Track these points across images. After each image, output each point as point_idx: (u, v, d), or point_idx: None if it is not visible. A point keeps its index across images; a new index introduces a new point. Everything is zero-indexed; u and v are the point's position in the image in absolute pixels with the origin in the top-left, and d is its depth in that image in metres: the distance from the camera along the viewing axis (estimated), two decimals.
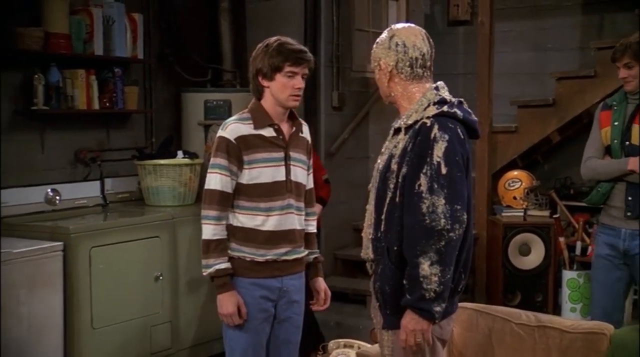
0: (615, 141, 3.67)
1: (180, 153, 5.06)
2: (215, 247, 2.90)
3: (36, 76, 4.59)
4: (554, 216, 5.40)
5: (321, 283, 3.16)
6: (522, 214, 5.37)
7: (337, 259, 5.86)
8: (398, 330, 2.49)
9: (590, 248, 5.40)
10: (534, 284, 5.39)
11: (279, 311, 3.00)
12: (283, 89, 2.88)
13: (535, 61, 6.31)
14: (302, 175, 3.04)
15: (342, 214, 5.77)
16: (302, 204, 3.04)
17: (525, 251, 5.40)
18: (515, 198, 5.47)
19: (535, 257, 5.39)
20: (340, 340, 3.60)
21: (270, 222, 2.91)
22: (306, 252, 3.09)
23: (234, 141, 2.89)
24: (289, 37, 5.31)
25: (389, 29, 2.63)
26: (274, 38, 2.97)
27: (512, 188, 5.50)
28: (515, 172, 5.59)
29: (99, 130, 5.06)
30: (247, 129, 2.92)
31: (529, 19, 6.37)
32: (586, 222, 5.64)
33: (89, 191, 4.82)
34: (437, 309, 2.41)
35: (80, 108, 4.80)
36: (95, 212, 4.75)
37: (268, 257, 2.92)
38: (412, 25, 2.65)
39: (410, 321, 2.43)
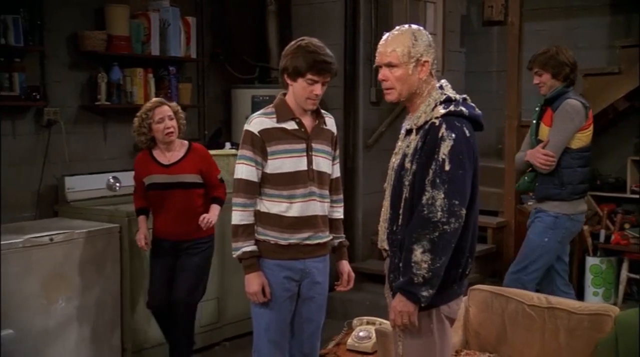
0: (532, 137, 4.10)
1: (228, 144, 5.21)
2: (242, 232, 2.96)
3: (100, 75, 4.80)
4: None
5: (345, 266, 3.18)
6: None
7: (374, 244, 5.93)
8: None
9: (613, 236, 5.37)
10: None
11: (303, 291, 3.05)
12: (302, 92, 2.92)
13: None
14: (326, 164, 3.05)
15: (378, 201, 5.79)
16: (325, 192, 3.06)
17: None
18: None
19: None
20: (364, 317, 3.64)
21: (293, 209, 2.96)
22: (330, 236, 3.11)
23: (257, 134, 2.94)
24: (331, 36, 5.50)
25: (413, 27, 2.58)
26: (306, 41, 2.96)
27: None
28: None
29: None
30: (270, 122, 2.96)
31: (560, 19, 6.31)
32: (611, 211, 5.59)
33: None
34: (424, 294, 2.42)
35: (138, 103, 4.96)
36: None
37: (291, 241, 2.97)
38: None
39: (398, 302, 2.46)
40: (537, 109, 4.12)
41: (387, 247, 2.62)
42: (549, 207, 4.03)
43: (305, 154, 2.98)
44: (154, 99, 4.12)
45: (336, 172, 3.18)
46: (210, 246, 4.11)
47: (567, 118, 3.94)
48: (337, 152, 3.17)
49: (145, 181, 4.01)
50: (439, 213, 2.40)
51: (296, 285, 3.03)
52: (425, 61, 2.54)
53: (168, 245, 3.99)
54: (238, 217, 2.98)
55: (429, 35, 2.60)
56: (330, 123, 3.12)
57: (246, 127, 2.99)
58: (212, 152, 5.02)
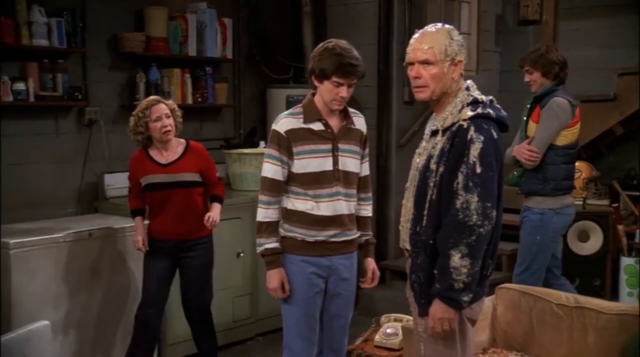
0: (522, 133, 4.16)
1: (262, 143, 5.24)
2: (265, 229, 2.99)
3: (138, 75, 4.88)
4: (613, 205, 5.29)
5: (370, 263, 3.18)
6: (581, 202, 5.28)
7: None
8: None
9: None
10: (593, 269, 5.31)
11: (330, 287, 3.06)
12: (328, 94, 2.92)
13: (601, 58, 6.15)
14: (353, 164, 3.04)
15: None
16: (352, 191, 3.05)
17: (584, 237, 5.32)
18: (575, 188, 5.36)
19: (593, 244, 5.31)
20: (392, 314, 3.64)
21: (319, 208, 2.97)
22: (357, 234, 3.11)
23: (284, 134, 2.95)
24: (364, 37, 5.50)
25: (446, 26, 2.57)
26: (333, 43, 2.95)
27: None
28: (576, 163, 5.47)
29: (192, 122, 5.29)
30: (297, 122, 2.96)
31: (596, 18, 6.21)
32: None
33: None
34: (465, 298, 2.42)
35: (176, 103, 5.02)
36: None
37: (317, 238, 2.99)
38: None
39: (438, 309, 2.44)
40: (527, 106, 4.18)
41: (409, 247, 2.60)
42: (534, 204, 4.07)
43: (331, 154, 2.98)
44: (150, 97, 3.98)
45: (365, 170, 3.16)
46: (211, 243, 3.99)
47: (553, 115, 3.97)
48: (367, 151, 3.15)
49: (142, 181, 3.86)
50: (474, 217, 2.39)
51: (323, 281, 3.05)
52: (459, 61, 2.54)
53: (167, 246, 3.85)
54: (262, 214, 3.01)
55: (460, 36, 2.60)
56: (360, 122, 3.10)
57: (273, 126, 3.00)
58: (246, 151, 5.11)
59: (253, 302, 4.83)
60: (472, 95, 2.55)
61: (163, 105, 3.85)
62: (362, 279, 3.18)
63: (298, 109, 3.02)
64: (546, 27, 5.44)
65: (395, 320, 3.57)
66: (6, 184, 4.36)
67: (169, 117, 3.84)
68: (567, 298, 3.29)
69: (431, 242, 2.48)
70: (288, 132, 2.95)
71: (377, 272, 3.19)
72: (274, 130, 2.99)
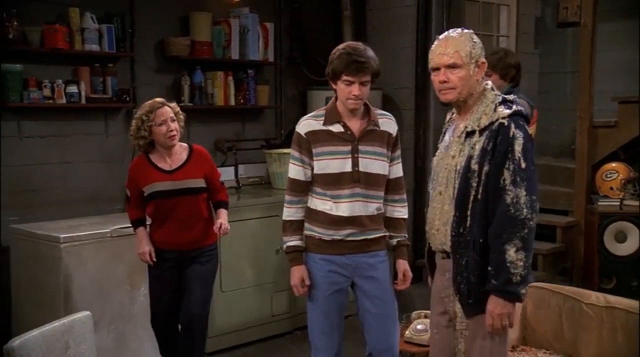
0: None
1: None
2: (288, 227, 3.03)
3: (183, 78, 4.97)
4: None
5: (401, 265, 3.10)
6: (618, 203, 5.18)
7: None
8: (480, 315, 2.48)
9: None
10: (630, 269, 5.17)
11: (357, 285, 3.05)
12: (342, 94, 2.92)
13: None
14: (377, 166, 2.99)
15: None
16: (373, 192, 2.99)
17: (621, 238, 5.20)
18: (611, 188, 5.28)
19: (631, 245, 5.18)
20: (422, 311, 3.63)
21: (337, 209, 2.96)
22: (382, 233, 3.05)
23: (304, 136, 2.98)
24: (403, 40, 5.50)
25: (465, 30, 2.59)
26: (344, 45, 2.97)
27: (609, 179, 5.31)
28: (613, 164, 5.38)
29: (235, 123, 5.37)
30: (317, 124, 2.97)
31: (635, 19, 6.06)
32: None
33: (225, 175, 4.99)
34: (523, 291, 2.42)
35: (219, 104, 5.14)
36: (230, 193, 4.87)
37: (334, 237, 2.98)
38: None
39: (496, 305, 2.43)
40: None
41: (448, 250, 2.57)
42: None
43: (350, 156, 2.96)
44: (155, 100, 3.62)
45: (395, 172, 3.10)
46: (217, 252, 3.73)
47: None
48: (397, 152, 3.09)
49: (145, 190, 3.54)
50: (525, 210, 2.40)
51: (346, 280, 3.03)
52: (482, 62, 2.55)
53: (173, 256, 3.57)
54: (285, 213, 3.06)
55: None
56: (387, 124, 3.05)
57: (296, 128, 3.04)
58: (285, 151, 5.15)
59: (291, 298, 4.87)
60: (499, 95, 2.56)
61: (168, 108, 3.56)
62: (395, 281, 3.13)
63: (321, 111, 3.04)
64: (585, 29, 5.34)
65: (426, 317, 3.56)
66: (59, 182, 4.52)
67: (173, 120, 3.56)
68: (597, 298, 3.24)
69: (481, 240, 2.46)
70: (308, 133, 2.98)
71: (409, 274, 3.11)
72: (296, 131, 3.03)
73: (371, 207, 3.00)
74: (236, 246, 4.52)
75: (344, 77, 2.87)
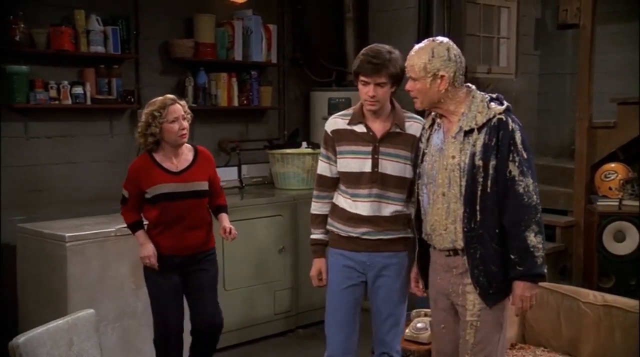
0: None
1: (304, 144, 5.29)
2: (314, 220, 3.12)
3: (187, 79, 4.98)
4: None
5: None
6: (617, 203, 5.16)
7: None
8: (500, 304, 2.59)
9: None
10: (628, 269, 5.15)
11: (369, 283, 3.06)
12: (361, 94, 2.94)
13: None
14: (397, 168, 2.95)
15: None
16: (393, 194, 2.97)
17: (620, 237, 5.18)
18: (610, 189, 5.26)
19: (629, 244, 5.15)
20: (422, 310, 3.63)
21: (355, 206, 2.98)
22: (398, 235, 3.01)
23: (329, 133, 3.03)
24: (404, 42, 5.48)
25: (435, 41, 2.61)
26: (367, 47, 2.97)
27: (608, 179, 5.29)
28: (612, 165, 5.36)
29: (238, 123, 5.38)
30: (343, 123, 3.01)
31: (634, 21, 6.05)
32: None
33: (228, 174, 5.11)
34: (545, 270, 2.54)
35: (222, 105, 5.15)
36: (233, 193, 5.04)
37: (350, 234, 3.01)
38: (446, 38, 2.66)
39: (525, 289, 2.53)
40: None
41: (459, 246, 2.59)
42: None
43: (370, 156, 2.96)
44: (166, 96, 3.43)
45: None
46: (216, 256, 3.61)
47: None
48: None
49: (149, 191, 3.36)
50: (535, 196, 2.53)
51: (360, 275, 3.04)
52: (442, 75, 2.56)
53: (179, 261, 3.42)
54: (312, 207, 3.15)
55: (452, 49, 2.59)
56: (414, 127, 2.97)
57: (325, 125, 3.10)
58: (288, 151, 5.17)
59: (293, 296, 4.88)
60: (485, 94, 2.64)
61: (179, 106, 3.40)
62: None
63: (350, 110, 3.07)
64: (584, 30, 5.32)
65: (426, 315, 3.56)
66: (64, 181, 4.53)
67: (184, 118, 3.40)
68: (595, 296, 3.25)
69: (497, 231, 2.53)
70: (333, 132, 3.03)
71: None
72: (324, 129, 3.09)
73: (389, 209, 2.99)
74: (239, 245, 4.49)
75: (361, 78, 2.90)
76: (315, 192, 3.12)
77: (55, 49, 4.31)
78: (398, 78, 2.93)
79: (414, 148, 2.95)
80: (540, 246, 2.50)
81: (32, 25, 4.26)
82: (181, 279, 3.47)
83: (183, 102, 3.46)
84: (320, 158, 3.10)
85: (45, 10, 4.37)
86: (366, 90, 2.90)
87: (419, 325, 3.54)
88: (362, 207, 2.97)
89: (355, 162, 2.98)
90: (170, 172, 3.39)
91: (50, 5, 4.39)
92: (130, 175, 3.43)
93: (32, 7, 4.30)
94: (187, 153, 3.47)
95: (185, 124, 3.39)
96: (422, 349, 3.44)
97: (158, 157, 3.41)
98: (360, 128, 2.99)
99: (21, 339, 2.39)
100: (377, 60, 2.87)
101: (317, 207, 3.11)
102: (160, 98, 3.43)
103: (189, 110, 3.48)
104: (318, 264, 3.09)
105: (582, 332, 3.21)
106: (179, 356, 3.54)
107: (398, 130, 2.97)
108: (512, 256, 2.50)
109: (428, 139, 2.71)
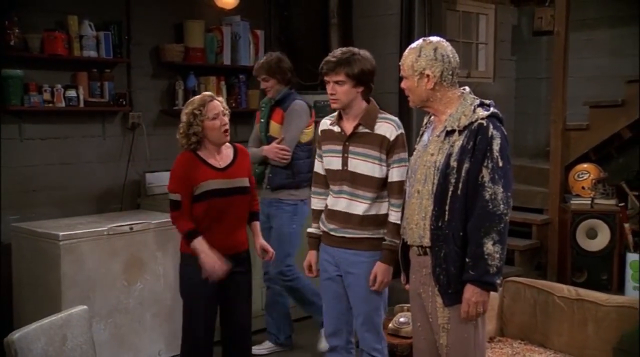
0: (262, 133, 4.21)
1: None
2: (312, 215, 3.20)
3: (177, 82, 4.96)
4: (620, 205, 5.20)
5: (378, 267, 2.96)
6: (589, 202, 5.21)
7: None
8: (458, 305, 2.50)
9: None
10: (600, 264, 5.21)
11: (343, 277, 3.06)
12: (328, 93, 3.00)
13: (611, 66, 6.06)
14: (367, 168, 2.94)
15: None
16: (361, 192, 2.96)
17: (592, 234, 5.23)
18: (583, 188, 5.32)
19: (601, 241, 5.21)
20: (404, 305, 3.64)
21: (332, 203, 3.06)
22: (364, 235, 2.98)
23: (319, 133, 3.14)
24: (388, 46, 5.50)
25: (425, 41, 2.60)
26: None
27: (581, 179, 5.34)
28: (584, 165, 5.42)
29: None
30: (328, 123, 3.08)
31: (606, 28, 6.12)
32: None
33: None
34: (498, 282, 2.48)
35: None
36: None
37: (324, 229, 3.09)
38: (442, 38, 2.63)
39: (473, 294, 2.45)
40: (263, 108, 4.27)
41: (427, 244, 2.56)
42: (285, 196, 4.14)
43: (341, 155, 3.01)
44: (204, 94, 3.25)
45: (394, 176, 2.95)
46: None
47: (297, 116, 4.11)
48: (396, 156, 2.95)
49: (198, 188, 3.11)
50: (502, 206, 2.44)
51: (336, 270, 3.08)
52: (427, 74, 2.54)
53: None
54: (311, 202, 3.22)
55: (440, 49, 2.56)
56: (384, 128, 2.94)
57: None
58: None
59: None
60: (477, 98, 2.59)
61: (218, 102, 3.19)
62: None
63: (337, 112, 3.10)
64: (558, 37, 5.37)
65: (408, 310, 3.57)
66: (58, 182, 4.50)
67: (224, 114, 3.19)
68: (569, 291, 3.28)
69: (461, 233, 2.47)
70: (322, 131, 3.12)
71: (380, 278, 2.96)
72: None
73: (358, 207, 2.98)
74: None
75: (324, 77, 2.97)
76: (312, 188, 3.21)
77: (49, 54, 4.28)
78: (361, 78, 2.91)
79: (383, 148, 2.94)
80: (497, 255, 2.42)
81: (27, 30, 4.23)
82: (220, 281, 3.16)
83: (221, 99, 3.27)
84: (316, 156, 3.18)
85: (39, 16, 4.33)
86: (328, 88, 2.96)
87: (401, 319, 3.55)
88: (335, 204, 3.04)
89: (332, 160, 3.05)
90: (216, 168, 3.17)
91: (44, 11, 4.36)
92: (178, 174, 3.15)
93: (26, 12, 4.27)
94: (227, 150, 3.27)
95: (226, 119, 3.19)
96: (405, 342, 3.45)
97: (202, 153, 3.18)
98: (336, 128, 3.05)
99: (16, 335, 2.37)
100: (334, 58, 2.93)
101: (314, 203, 3.19)
102: (198, 96, 3.23)
103: (227, 106, 3.27)
104: (309, 256, 3.17)
105: (556, 324, 3.23)
106: None
107: (366, 130, 2.96)
108: (467, 260, 2.45)
109: (421, 136, 2.71)
